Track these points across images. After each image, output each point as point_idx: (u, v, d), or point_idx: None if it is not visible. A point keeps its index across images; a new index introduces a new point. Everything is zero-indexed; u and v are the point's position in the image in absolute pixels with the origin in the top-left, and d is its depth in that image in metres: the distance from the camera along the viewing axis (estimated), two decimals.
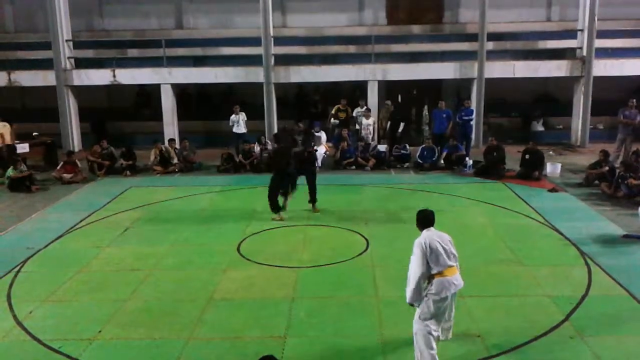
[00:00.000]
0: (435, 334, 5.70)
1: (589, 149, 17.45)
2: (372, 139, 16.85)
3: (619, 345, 6.26)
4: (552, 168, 14.42)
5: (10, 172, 13.74)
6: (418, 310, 5.72)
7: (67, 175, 14.49)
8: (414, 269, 5.63)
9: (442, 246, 5.70)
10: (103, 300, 7.66)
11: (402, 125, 17.24)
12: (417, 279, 5.60)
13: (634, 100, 15.15)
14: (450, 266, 5.71)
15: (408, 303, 5.75)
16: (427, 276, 5.66)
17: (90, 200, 12.79)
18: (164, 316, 7.17)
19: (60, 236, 10.35)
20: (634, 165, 12.48)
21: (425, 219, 5.96)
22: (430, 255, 5.61)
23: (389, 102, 17.70)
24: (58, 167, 14.72)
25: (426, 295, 5.67)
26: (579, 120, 18.33)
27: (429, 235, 5.76)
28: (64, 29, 18.39)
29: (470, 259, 8.75)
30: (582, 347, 6.21)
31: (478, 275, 8.09)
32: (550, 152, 16.67)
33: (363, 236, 10.00)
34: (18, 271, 8.71)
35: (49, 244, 9.95)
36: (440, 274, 5.65)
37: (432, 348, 5.63)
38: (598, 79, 17.78)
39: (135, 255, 9.32)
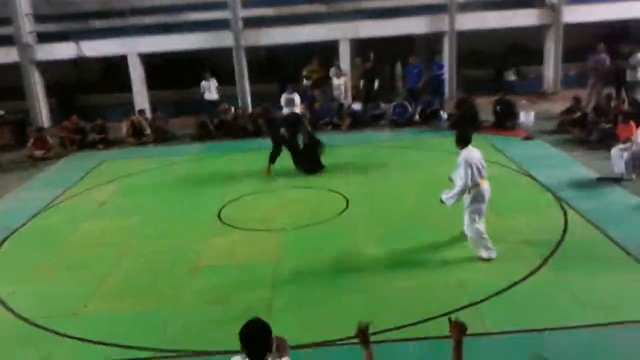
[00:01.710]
0: (481, 225, 7.15)
1: (561, 96, 17.56)
2: (345, 98, 16.76)
3: (596, 285, 6.44)
4: (526, 117, 14.48)
5: None
6: (467, 217, 7.15)
7: (38, 152, 14.22)
8: (462, 180, 6.94)
9: (480, 162, 7.03)
10: (85, 275, 7.62)
11: (376, 82, 17.16)
12: (462, 189, 6.98)
13: (602, 44, 15.21)
14: (484, 177, 7.06)
15: (444, 201, 7.22)
16: (470, 187, 6.94)
17: (64, 176, 12.60)
18: (149, 286, 7.18)
19: (37, 214, 10.21)
20: (605, 109, 12.62)
21: (465, 138, 7.17)
22: (473, 169, 6.90)
23: (358, 60, 17.55)
24: (29, 145, 14.44)
25: (471, 202, 7.06)
26: (551, 68, 18.41)
27: (470, 153, 7.04)
28: (23, 2, 17.77)
29: (446, 210, 8.82)
30: (561, 288, 6.38)
31: (455, 226, 8.16)
32: (523, 101, 16.76)
33: (343, 195, 10.04)
34: None
35: (26, 222, 9.82)
36: (479, 184, 7.01)
37: (482, 237, 7.17)
38: (568, 26, 17.80)
39: (114, 228, 9.25)
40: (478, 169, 6.98)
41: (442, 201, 7.32)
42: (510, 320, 5.87)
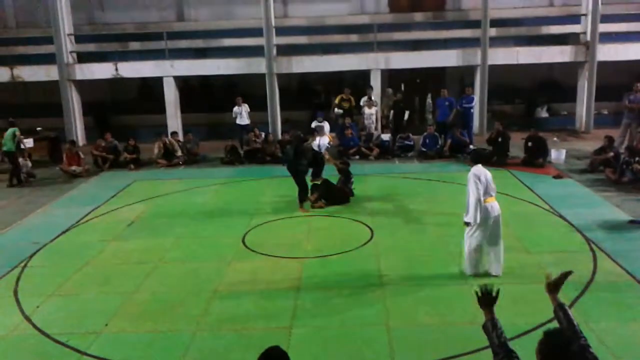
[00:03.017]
0: (478, 242, 7.47)
1: (593, 134, 17.35)
2: (375, 129, 16.80)
3: (624, 331, 6.27)
4: (557, 154, 14.36)
5: None
6: (468, 228, 7.41)
7: (71, 167, 14.54)
8: (474, 194, 7.27)
9: (488, 180, 7.39)
10: (109, 293, 7.70)
11: (407, 113, 17.18)
12: (476, 201, 7.26)
13: (639, 84, 15.02)
14: (491, 196, 7.42)
15: (466, 222, 7.43)
16: (480, 201, 7.25)
17: (95, 194, 12.83)
18: (171, 308, 7.21)
19: (66, 230, 10.39)
20: (639, 150, 12.41)
21: (479, 156, 7.85)
22: (481, 185, 7.27)
23: (390, 90, 17.63)
24: (65, 160, 14.79)
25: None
26: (584, 106, 18.24)
27: (480, 169, 7.44)
28: (65, 23, 18.36)
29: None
30: (587, 333, 6.11)
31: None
32: (555, 139, 16.59)
33: (367, 226, 10.01)
34: (24, 266, 8.76)
35: (55, 238, 9.99)
36: (485, 200, 7.33)
37: (476, 252, 7.51)
38: (602, 64, 17.66)
39: (140, 248, 9.35)
40: (486, 186, 7.33)
41: (465, 223, 7.52)
42: None
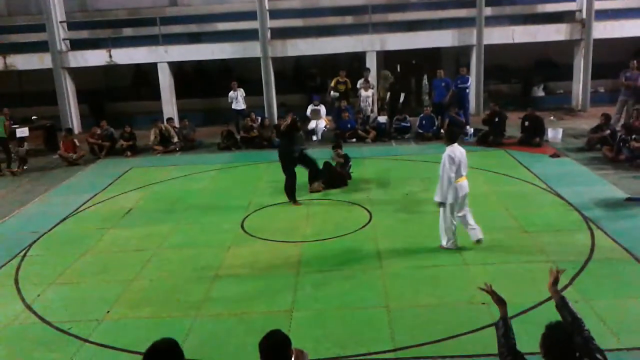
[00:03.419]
0: (451, 220, 7.84)
1: (590, 112, 17.34)
2: (372, 111, 16.75)
3: (623, 308, 6.32)
4: (554, 133, 14.35)
5: None
6: (442, 208, 7.78)
7: (67, 154, 14.55)
8: (447, 174, 7.54)
9: (463, 159, 7.68)
10: (110, 281, 7.73)
11: (402, 95, 17.11)
12: (448, 181, 7.55)
13: (635, 61, 14.98)
14: (462, 175, 7.68)
15: (438, 201, 7.73)
16: (451, 180, 7.54)
17: (92, 182, 12.81)
18: (171, 294, 7.24)
19: (64, 219, 10.39)
20: (636, 128, 12.41)
21: (453, 135, 8.02)
22: (454, 165, 7.55)
23: (386, 72, 17.55)
24: (61, 147, 14.80)
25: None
26: (580, 84, 18.18)
27: (454, 148, 7.69)
28: (57, 10, 18.17)
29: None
30: (587, 311, 6.24)
31: (482, 243, 8.12)
32: (551, 118, 16.58)
33: (366, 208, 10.03)
34: (24, 255, 8.78)
35: (54, 227, 9.99)
36: (456, 180, 7.60)
37: (450, 229, 7.87)
38: (598, 42, 17.59)
39: (139, 235, 9.36)
40: (459, 166, 7.62)
41: (439, 204, 7.82)
42: (534, 341, 5.70)
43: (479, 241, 7.96)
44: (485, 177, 11.59)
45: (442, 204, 7.78)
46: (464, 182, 7.76)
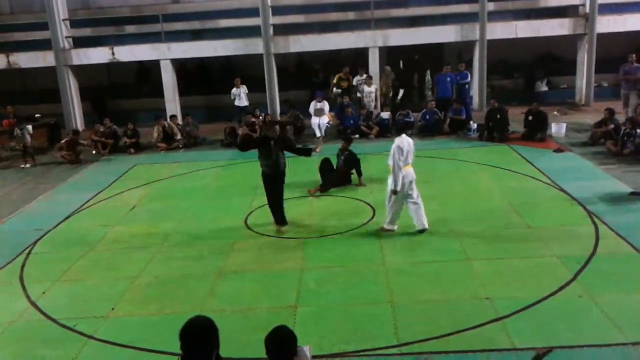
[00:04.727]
0: (398, 204, 8.43)
1: (593, 107, 17.29)
2: (375, 107, 16.73)
3: (627, 303, 6.30)
4: (557, 128, 14.33)
5: None
6: (389, 193, 8.35)
7: (61, 154, 14.53)
8: (396, 164, 8.08)
9: (410, 149, 8.25)
10: (114, 278, 7.74)
11: (401, 92, 17.08)
12: (398, 170, 8.09)
13: (634, 55, 14.93)
14: (408, 164, 8.25)
15: (392, 190, 8.24)
16: (401, 169, 8.12)
17: (96, 180, 12.84)
18: (176, 291, 7.26)
19: (69, 216, 10.42)
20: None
21: (404, 125, 9.10)
22: (402, 155, 8.10)
23: (388, 68, 17.52)
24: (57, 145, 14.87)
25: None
26: (583, 79, 18.14)
27: (403, 139, 8.20)
28: (60, 8, 18.20)
29: (478, 223, 8.82)
30: (591, 306, 6.25)
31: (486, 238, 8.13)
32: (555, 112, 16.54)
33: (369, 204, 10.03)
34: (29, 253, 8.80)
35: (58, 224, 10.02)
36: (403, 168, 8.17)
37: (397, 213, 8.52)
38: (601, 36, 17.53)
39: (143, 232, 9.38)
40: (406, 156, 8.15)
41: (392, 191, 8.28)
42: (538, 336, 5.76)
43: (421, 231, 8.45)
44: (489, 172, 11.59)
45: (395, 191, 8.24)
46: (409, 169, 8.29)
